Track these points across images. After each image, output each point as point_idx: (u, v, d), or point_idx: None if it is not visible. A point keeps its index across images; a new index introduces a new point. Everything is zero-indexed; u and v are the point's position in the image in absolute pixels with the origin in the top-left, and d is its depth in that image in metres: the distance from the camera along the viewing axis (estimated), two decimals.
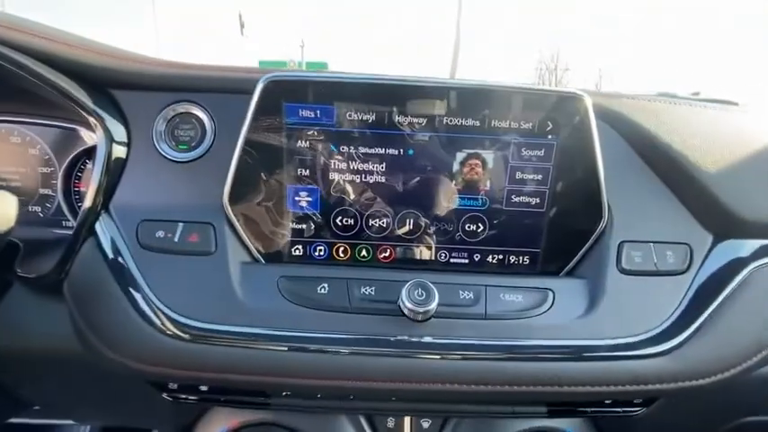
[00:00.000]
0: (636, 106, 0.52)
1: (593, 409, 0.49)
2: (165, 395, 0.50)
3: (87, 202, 0.48)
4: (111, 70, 0.50)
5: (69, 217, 0.66)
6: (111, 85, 0.52)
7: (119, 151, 0.50)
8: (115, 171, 0.49)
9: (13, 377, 0.55)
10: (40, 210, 0.65)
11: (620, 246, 0.47)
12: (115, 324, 0.44)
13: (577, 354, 0.43)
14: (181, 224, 0.47)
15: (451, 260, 0.49)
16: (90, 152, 0.70)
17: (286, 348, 0.42)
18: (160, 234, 0.46)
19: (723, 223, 0.48)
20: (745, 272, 0.47)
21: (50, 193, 0.66)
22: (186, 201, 0.48)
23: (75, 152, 0.69)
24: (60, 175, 0.68)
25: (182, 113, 0.50)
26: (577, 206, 0.48)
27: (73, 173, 0.70)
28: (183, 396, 0.49)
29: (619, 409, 0.49)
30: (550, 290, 0.46)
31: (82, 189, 0.67)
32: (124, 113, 0.52)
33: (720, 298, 0.46)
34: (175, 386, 0.49)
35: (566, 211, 0.48)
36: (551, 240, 0.49)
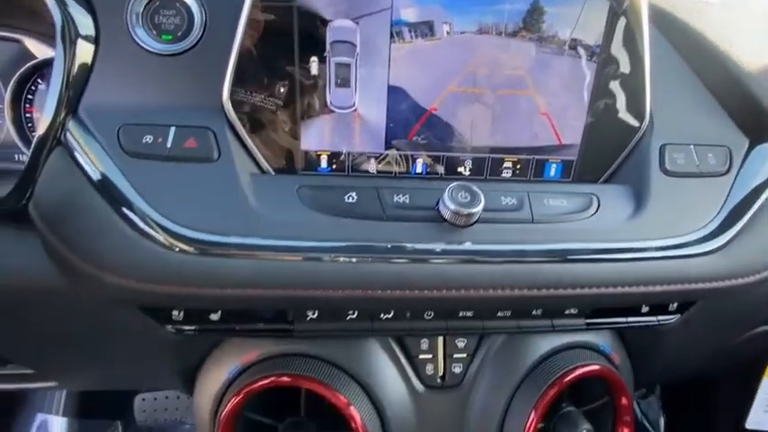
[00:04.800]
0: (681, 6, 0.49)
1: (631, 318, 0.48)
2: (169, 328, 0.43)
3: (49, 108, 0.38)
4: None
5: (23, 149, 0.56)
6: None
7: (84, 47, 0.41)
8: (82, 71, 0.40)
9: None
10: None
11: (661, 148, 0.45)
12: (104, 240, 0.36)
13: (629, 255, 0.41)
14: (173, 128, 0.39)
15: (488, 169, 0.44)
16: (40, 68, 0.59)
17: (313, 259, 0.36)
18: (148, 139, 0.38)
19: (761, 126, 0.47)
20: None
21: None
22: (176, 101, 0.39)
23: (22, 69, 0.58)
24: (7, 98, 0.57)
25: None
26: (620, 107, 0.44)
27: (22, 96, 0.59)
28: (190, 328, 0.43)
29: (654, 318, 0.48)
30: (594, 195, 0.43)
31: (35, 115, 0.57)
32: None
33: (763, 198, 0.45)
34: (180, 316, 0.42)
35: (607, 113, 0.44)
36: (592, 144, 0.45)
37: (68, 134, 0.38)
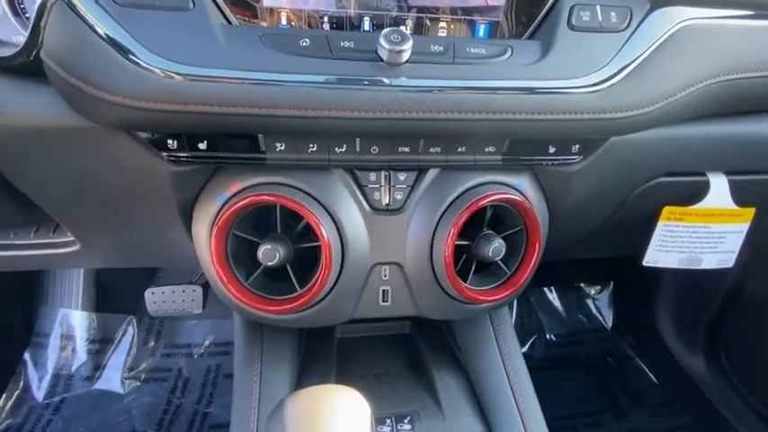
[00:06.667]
0: None
1: (539, 158, 0.59)
2: (164, 155, 0.53)
3: None
4: None
5: (21, 29, 0.63)
6: None
7: None
8: None
9: (5, 160, 0.55)
10: None
11: (572, 8, 0.53)
12: (110, 72, 0.45)
13: (528, 90, 0.51)
14: None
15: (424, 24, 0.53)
16: None
17: (273, 84, 0.46)
18: None
19: None
20: (671, 29, 0.55)
21: None
22: None
23: None
24: None
25: None
26: None
27: None
28: (183, 155, 0.53)
29: (560, 158, 0.59)
30: (510, 46, 0.53)
31: None
32: None
33: (649, 50, 0.54)
34: (174, 144, 0.53)
35: None
36: (514, 6, 0.54)
37: None
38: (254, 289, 0.58)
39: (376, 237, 0.59)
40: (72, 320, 1.36)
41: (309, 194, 0.56)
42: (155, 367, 1.36)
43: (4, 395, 1.23)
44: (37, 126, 0.53)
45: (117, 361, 1.35)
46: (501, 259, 0.60)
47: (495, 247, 0.58)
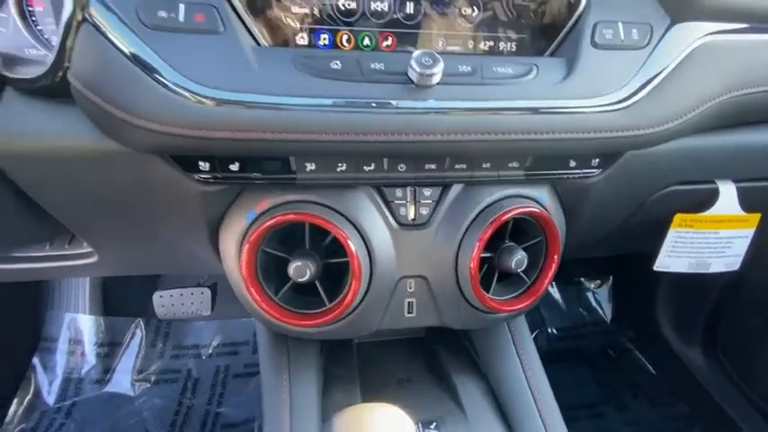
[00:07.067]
0: None
1: (561, 171, 0.60)
2: (195, 176, 0.53)
3: None
4: None
5: (31, 40, 0.61)
6: None
7: None
8: None
9: (29, 180, 0.55)
10: None
11: (594, 25, 0.54)
12: (139, 96, 0.45)
13: (557, 109, 0.52)
14: (182, 4, 0.46)
15: (448, 47, 0.54)
16: None
17: (305, 109, 0.47)
18: (162, 14, 0.46)
19: (682, 7, 0.56)
20: (691, 46, 0.56)
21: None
22: None
23: None
24: None
25: None
26: None
27: None
28: (214, 176, 0.53)
29: (580, 171, 0.61)
30: (535, 64, 0.54)
31: (36, 7, 0.62)
32: None
33: (670, 67, 0.55)
34: (206, 166, 0.53)
35: None
36: (536, 25, 0.55)
37: (92, 15, 0.46)
38: (284, 304, 0.59)
39: (402, 251, 0.61)
40: (80, 324, 1.36)
41: (338, 211, 0.57)
42: (164, 369, 1.37)
43: (15, 400, 1.23)
44: (62, 147, 0.52)
45: (126, 364, 1.35)
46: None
47: (518, 259, 0.60)
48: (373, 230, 0.59)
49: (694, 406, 1.29)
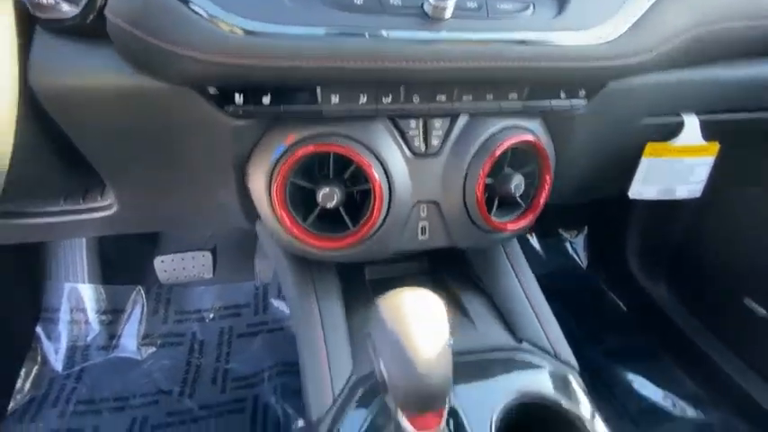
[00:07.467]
0: None
1: (553, 102, 0.68)
2: (228, 109, 0.57)
3: None
4: None
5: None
6: None
7: None
8: None
9: (68, 120, 0.58)
10: None
11: None
12: (178, 27, 0.48)
13: (552, 41, 0.59)
14: None
15: None
16: None
17: (330, 36, 0.52)
18: None
19: None
20: None
21: None
22: None
23: None
24: None
25: None
26: None
27: None
28: (246, 109, 0.57)
29: (568, 102, 0.69)
30: (532, 2, 0.61)
31: None
32: None
33: (650, 2, 0.63)
34: (240, 99, 0.58)
35: None
36: None
37: None
38: (312, 229, 0.66)
39: (416, 178, 0.68)
40: (80, 293, 1.37)
41: (360, 141, 0.63)
42: (169, 333, 1.40)
43: (23, 370, 1.25)
44: (97, 85, 0.55)
45: (131, 329, 1.38)
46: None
47: (517, 184, 0.68)
48: (391, 159, 0.65)
49: (661, 335, 1.44)
